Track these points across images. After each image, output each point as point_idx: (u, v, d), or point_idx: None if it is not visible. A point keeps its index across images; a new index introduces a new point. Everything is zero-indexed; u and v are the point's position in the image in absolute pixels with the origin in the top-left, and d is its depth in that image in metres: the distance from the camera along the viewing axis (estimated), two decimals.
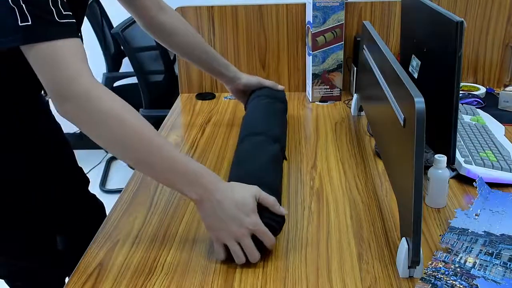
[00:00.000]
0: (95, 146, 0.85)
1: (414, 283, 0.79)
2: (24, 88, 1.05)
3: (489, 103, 1.48)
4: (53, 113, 1.15)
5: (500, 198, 1.00)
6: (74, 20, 0.82)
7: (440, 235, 0.90)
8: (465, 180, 1.07)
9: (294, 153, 1.24)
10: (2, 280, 1.24)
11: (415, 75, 1.20)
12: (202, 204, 0.84)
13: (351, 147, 1.26)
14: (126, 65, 2.78)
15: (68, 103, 0.79)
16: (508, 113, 1.41)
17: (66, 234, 1.29)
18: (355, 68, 1.56)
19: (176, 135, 1.39)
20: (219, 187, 0.84)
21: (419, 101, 0.74)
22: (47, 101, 1.21)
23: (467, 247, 0.86)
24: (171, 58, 2.54)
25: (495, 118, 1.35)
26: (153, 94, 2.29)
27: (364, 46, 1.30)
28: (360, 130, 1.36)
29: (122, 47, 2.27)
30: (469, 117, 1.32)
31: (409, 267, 0.79)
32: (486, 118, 1.33)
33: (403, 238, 0.81)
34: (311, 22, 1.50)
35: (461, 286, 0.77)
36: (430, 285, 0.78)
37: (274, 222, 0.85)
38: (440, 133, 1.06)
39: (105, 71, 2.73)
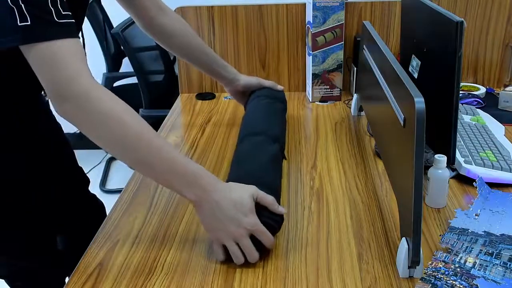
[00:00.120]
0: (95, 146, 0.85)
1: (414, 283, 0.79)
2: (24, 88, 1.05)
3: (489, 103, 1.48)
4: (53, 113, 1.15)
5: (500, 198, 1.01)
6: (73, 20, 0.82)
7: (440, 235, 0.90)
8: (465, 180, 1.07)
9: (294, 153, 1.24)
10: (2, 280, 1.24)
11: (415, 75, 1.20)
12: (200, 205, 0.84)
13: (351, 147, 1.26)
14: (126, 65, 2.78)
15: (67, 103, 0.79)
16: (508, 113, 1.41)
17: (66, 234, 1.29)
18: (355, 68, 1.56)
19: (176, 135, 1.39)
20: (217, 188, 0.84)
21: (419, 101, 0.74)
22: (47, 101, 1.21)
23: (467, 247, 0.86)
24: (171, 58, 2.54)
25: (495, 118, 1.35)
26: (153, 94, 2.29)
27: (364, 46, 1.30)
28: (360, 130, 1.36)
29: (122, 47, 2.27)
30: (469, 117, 1.32)
31: (409, 267, 0.79)
32: (486, 118, 1.33)
33: (403, 238, 0.81)
34: (311, 22, 1.50)
35: (461, 286, 0.77)
36: (430, 285, 0.78)
37: (273, 221, 0.85)
38: (440, 133, 1.06)
39: (105, 71, 2.73)
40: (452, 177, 1.08)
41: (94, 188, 1.37)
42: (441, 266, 0.82)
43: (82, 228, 1.19)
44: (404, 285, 0.79)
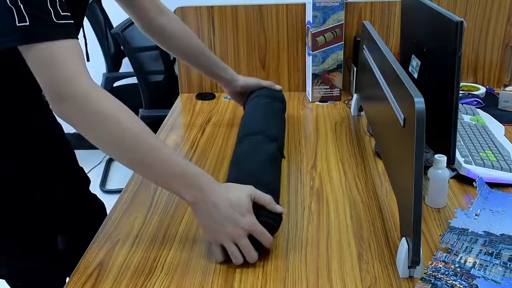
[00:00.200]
0: (95, 147, 0.85)
1: (414, 283, 0.79)
2: (24, 88, 1.05)
3: (489, 103, 1.48)
4: (54, 113, 1.15)
5: (500, 198, 1.01)
6: (72, 21, 0.82)
7: (440, 235, 0.90)
8: (465, 180, 1.07)
9: (294, 153, 1.24)
10: (3, 280, 1.24)
11: (415, 75, 1.20)
12: (198, 206, 0.84)
13: (351, 147, 1.26)
14: (126, 65, 2.78)
15: (65, 104, 0.79)
16: (508, 113, 1.41)
17: (67, 234, 1.29)
18: (355, 68, 1.56)
19: (176, 135, 1.39)
20: (215, 189, 0.84)
21: (419, 101, 0.74)
22: (47, 101, 1.21)
23: (467, 247, 0.86)
24: (171, 58, 2.54)
25: (495, 118, 1.35)
26: (153, 94, 2.29)
27: (364, 46, 1.30)
28: (360, 130, 1.36)
29: (122, 47, 2.27)
30: (469, 117, 1.32)
31: (409, 267, 0.79)
32: (486, 118, 1.33)
33: (403, 238, 0.81)
34: (311, 22, 1.50)
35: (461, 286, 0.77)
36: (430, 285, 0.78)
37: (271, 220, 0.85)
38: (440, 133, 1.06)
39: (105, 71, 2.73)
40: (452, 177, 1.08)
41: (94, 188, 1.37)
42: (441, 266, 0.82)
43: (82, 228, 1.19)
44: (404, 285, 0.79)
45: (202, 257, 0.87)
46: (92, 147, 0.85)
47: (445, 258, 0.84)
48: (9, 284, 1.24)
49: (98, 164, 3.01)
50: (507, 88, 1.47)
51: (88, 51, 1.19)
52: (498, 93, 1.48)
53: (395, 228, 0.93)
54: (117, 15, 2.32)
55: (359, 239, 0.90)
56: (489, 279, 0.78)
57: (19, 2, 0.76)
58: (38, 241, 1.15)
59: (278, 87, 1.40)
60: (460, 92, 1.51)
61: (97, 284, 0.81)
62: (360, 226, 0.94)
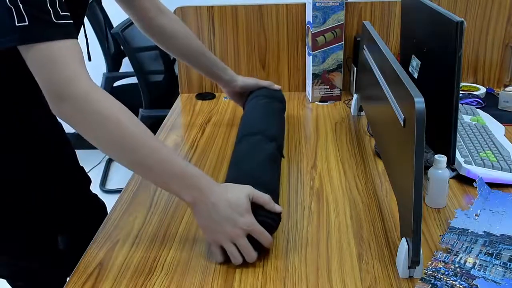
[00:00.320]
0: (95, 146, 0.85)
1: (414, 283, 0.79)
2: (24, 88, 1.05)
3: (489, 103, 1.48)
4: (53, 113, 1.15)
5: (500, 198, 1.01)
6: (71, 21, 0.82)
7: (440, 235, 0.90)
8: (465, 180, 1.07)
9: (294, 153, 1.24)
10: (4, 280, 1.24)
11: (415, 75, 1.20)
12: (197, 207, 0.84)
13: (351, 147, 1.26)
14: (126, 65, 2.78)
15: (65, 104, 0.79)
16: (508, 113, 1.41)
17: (67, 234, 1.29)
18: (355, 68, 1.56)
19: (176, 135, 1.39)
20: (214, 190, 0.84)
21: (419, 101, 0.74)
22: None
23: (467, 247, 0.86)
24: (171, 58, 2.54)
25: (495, 118, 1.35)
26: (153, 94, 2.29)
27: (364, 46, 1.30)
28: (360, 130, 1.36)
29: (122, 47, 2.27)
30: (469, 117, 1.32)
31: (409, 267, 0.79)
32: (486, 118, 1.33)
33: (403, 238, 0.81)
34: (311, 22, 1.50)
35: (461, 287, 0.77)
36: (430, 285, 0.78)
37: (270, 219, 0.85)
38: (440, 133, 1.06)
39: (105, 71, 2.73)
40: (452, 177, 1.08)
41: (94, 188, 1.37)
42: (441, 266, 0.82)
43: (83, 228, 1.19)
44: (404, 285, 0.79)
45: (202, 257, 0.87)
46: (92, 147, 0.85)
47: (445, 258, 0.84)
48: (10, 284, 1.24)
49: (98, 164, 3.01)
50: (507, 88, 1.47)
51: (90, 51, 1.19)
52: (498, 93, 1.48)
53: (395, 228, 0.93)
54: (117, 15, 2.32)
55: (359, 239, 0.90)
56: (489, 280, 0.78)
57: (19, 2, 0.76)
58: (39, 241, 1.15)
59: (277, 86, 1.40)
60: (460, 92, 1.50)
61: (97, 284, 0.81)
62: (360, 226, 0.94)
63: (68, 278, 0.86)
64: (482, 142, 1.17)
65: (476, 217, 0.95)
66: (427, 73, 1.14)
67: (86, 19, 1.97)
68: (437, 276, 0.79)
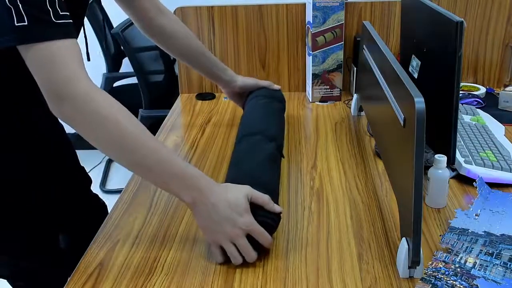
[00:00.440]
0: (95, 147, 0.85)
1: (414, 283, 0.79)
2: (24, 88, 1.05)
3: (489, 103, 1.48)
4: (52, 113, 1.14)
5: (500, 198, 1.01)
6: (71, 21, 0.82)
7: (440, 235, 0.90)
8: (465, 180, 1.07)
9: (294, 153, 1.24)
10: (4, 280, 1.24)
11: (415, 75, 1.20)
12: (197, 208, 0.84)
13: (351, 147, 1.26)
14: (126, 65, 2.78)
15: (64, 104, 0.79)
16: (508, 113, 1.41)
17: (68, 233, 1.29)
18: (355, 68, 1.56)
19: (176, 135, 1.39)
20: (214, 190, 0.84)
21: (419, 101, 0.74)
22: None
23: (467, 247, 0.86)
24: (171, 58, 2.54)
25: (495, 118, 1.35)
26: (153, 94, 2.29)
27: (364, 46, 1.30)
28: (360, 130, 1.36)
29: (122, 47, 2.27)
30: (469, 117, 1.32)
31: (409, 267, 0.79)
32: (486, 118, 1.34)
33: (403, 238, 0.81)
34: (311, 22, 1.50)
35: (461, 286, 0.77)
36: (430, 285, 0.78)
37: (270, 219, 0.85)
38: (440, 133, 1.06)
39: (105, 71, 2.73)
40: (452, 177, 1.08)
41: (94, 188, 1.37)
42: (441, 266, 0.82)
43: (84, 228, 1.19)
44: (404, 285, 0.79)
45: (202, 257, 0.87)
46: (92, 147, 0.85)
47: (445, 258, 0.84)
48: (10, 284, 1.24)
49: (98, 164, 3.01)
50: (507, 88, 1.47)
51: (89, 51, 1.19)
52: (498, 93, 1.48)
53: (395, 228, 0.93)
54: (117, 15, 2.32)
55: (359, 239, 0.90)
56: (489, 279, 0.78)
57: (18, 2, 0.76)
58: (39, 241, 1.15)
59: (276, 86, 1.40)
60: (460, 92, 1.50)
61: (97, 284, 0.81)
62: (360, 226, 0.94)
63: (68, 278, 0.86)
64: (482, 142, 1.17)
65: (476, 217, 0.95)
66: (427, 73, 1.14)
67: (86, 19, 1.97)
68: (437, 276, 0.79)
